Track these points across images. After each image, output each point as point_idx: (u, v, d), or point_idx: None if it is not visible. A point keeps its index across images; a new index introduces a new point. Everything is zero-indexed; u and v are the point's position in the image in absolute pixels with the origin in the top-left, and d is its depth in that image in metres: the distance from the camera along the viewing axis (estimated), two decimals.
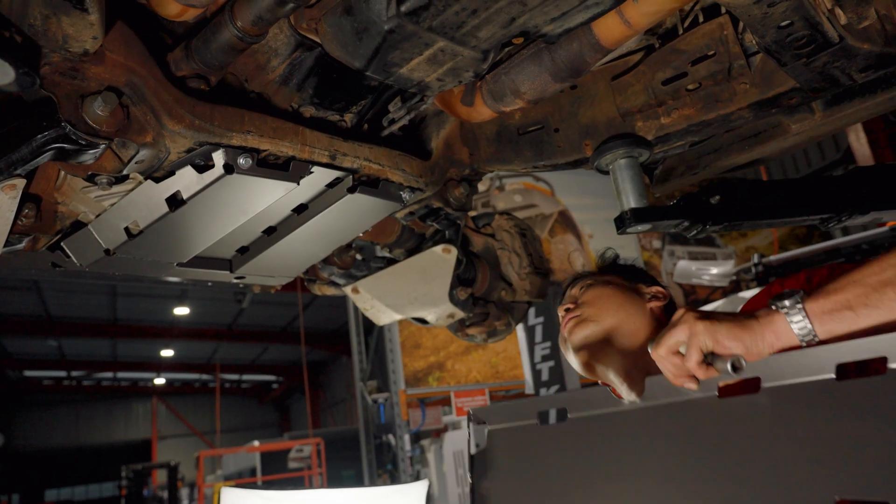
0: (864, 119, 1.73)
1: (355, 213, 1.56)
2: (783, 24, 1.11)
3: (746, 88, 1.46)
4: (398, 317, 2.15)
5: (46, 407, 20.28)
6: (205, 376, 22.24)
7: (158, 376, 21.66)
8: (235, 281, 1.84)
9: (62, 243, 1.49)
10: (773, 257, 4.12)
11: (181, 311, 15.83)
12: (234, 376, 23.30)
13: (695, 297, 9.00)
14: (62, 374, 19.95)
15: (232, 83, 1.33)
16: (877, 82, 1.44)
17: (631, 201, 1.56)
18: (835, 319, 0.95)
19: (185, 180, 1.30)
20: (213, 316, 16.82)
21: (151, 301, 15.12)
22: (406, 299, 2.05)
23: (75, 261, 1.50)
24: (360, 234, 1.76)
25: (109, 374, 20.85)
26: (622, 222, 1.70)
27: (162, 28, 1.24)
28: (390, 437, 8.00)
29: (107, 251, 1.45)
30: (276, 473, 11.65)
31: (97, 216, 1.44)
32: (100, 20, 0.95)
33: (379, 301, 2.07)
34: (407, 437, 7.67)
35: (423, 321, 2.14)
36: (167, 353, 19.20)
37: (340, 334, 17.07)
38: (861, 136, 7.74)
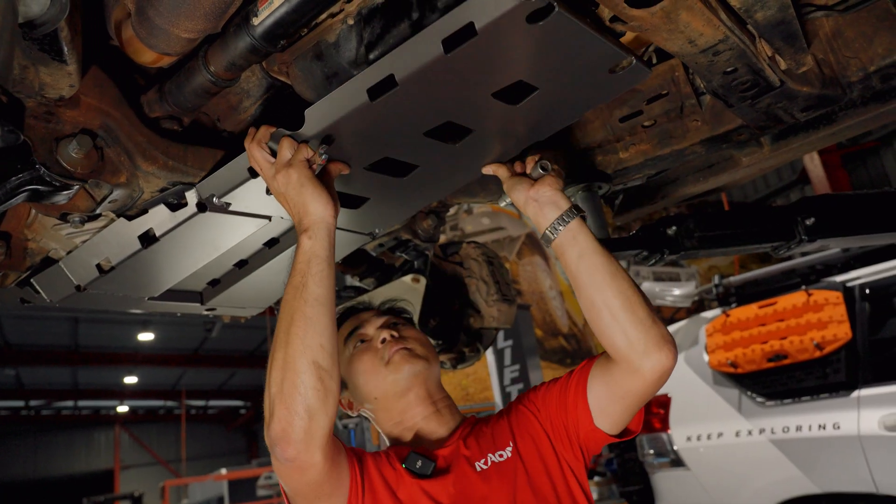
0: (809, 151, 1.83)
1: None
2: (728, 70, 1.19)
3: (698, 125, 1.55)
4: None
5: (3, 438, 19.59)
6: (170, 403, 21.76)
7: (121, 404, 21.10)
8: (206, 313, 1.85)
9: (32, 279, 1.49)
10: (732, 278, 4.24)
11: (145, 336, 15.51)
12: (201, 402, 22.82)
13: (660, 317, 9.17)
14: (20, 403, 19.33)
15: (205, 122, 1.36)
16: (819, 119, 1.53)
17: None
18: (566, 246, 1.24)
19: (158, 218, 1.33)
20: (179, 341, 16.51)
21: (114, 327, 14.80)
22: None
23: (45, 297, 1.51)
24: None
25: (70, 403, 20.26)
26: None
27: (135, 70, 1.27)
28: None
29: (77, 287, 1.45)
30: (244, 502, 11.43)
31: (68, 253, 1.45)
32: (77, 69, 0.98)
33: None
34: None
35: None
36: (130, 379, 18.75)
37: None
38: (815, 158, 8.03)
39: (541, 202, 1.26)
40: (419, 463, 1.27)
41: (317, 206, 1.13)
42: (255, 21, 1.05)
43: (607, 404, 1.25)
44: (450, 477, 1.27)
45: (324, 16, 1.15)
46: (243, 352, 17.94)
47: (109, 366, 16.77)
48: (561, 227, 1.23)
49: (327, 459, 1.11)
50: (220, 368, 18.74)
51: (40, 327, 13.96)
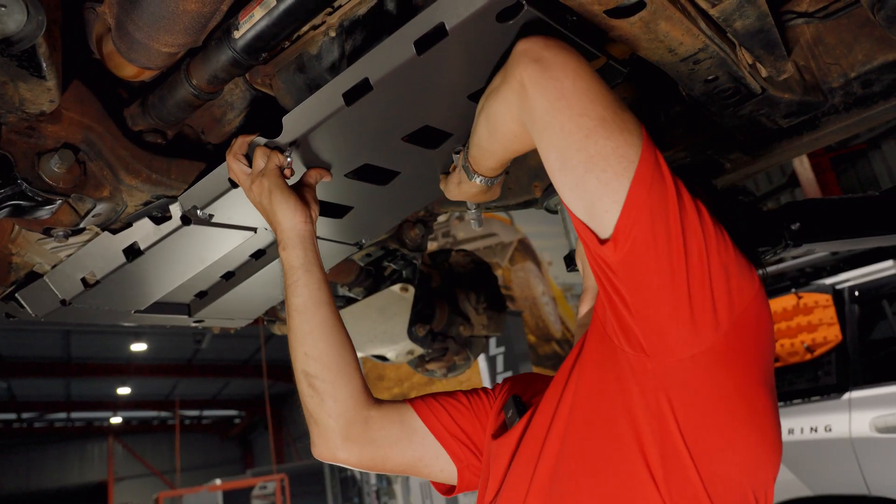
0: (795, 157, 1.84)
1: None
2: (709, 78, 1.20)
3: (682, 132, 1.55)
4: (359, 355, 2.18)
5: None
6: (164, 413, 21.61)
7: (115, 415, 20.94)
8: (194, 325, 1.85)
9: (16, 294, 1.48)
10: None
11: (138, 346, 15.42)
12: (195, 412, 22.68)
13: None
14: (12, 416, 19.17)
15: (189, 135, 1.36)
16: (802, 125, 1.54)
17: None
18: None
19: (143, 231, 1.33)
20: (172, 351, 16.42)
21: (107, 338, 14.70)
22: (366, 337, 2.08)
23: (30, 311, 1.50)
24: None
25: (63, 415, 20.11)
26: (571, 261, 1.77)
27: (119, 83, 1.27)
28: (355, 471, 7.92)
29: (63, 301, 1.45)
30: None
31: (53, 267, 1.44)
32: (57, 85, 0.98)
33: None
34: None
35: (383, 358, 2.17)
36: (124, 390, 18.62)
37: None
38: (804, 161, 8.07)
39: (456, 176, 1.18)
40: (509, 413, 1.12)
41: (284, 216, 1.11)
42: (237, 34, 1.05)
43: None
44: (510, 435, 1.09)
45: (306, 28, 1.15)
46: (237, 361, 17.85)
47: (102, 377, 16.66)
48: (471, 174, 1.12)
49: (363, 449, 1.12)
50: (214, 378, 18.63)
51: (32, 339, 13.87)
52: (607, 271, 0.83)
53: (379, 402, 1.17)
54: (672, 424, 0.85)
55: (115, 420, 21.37)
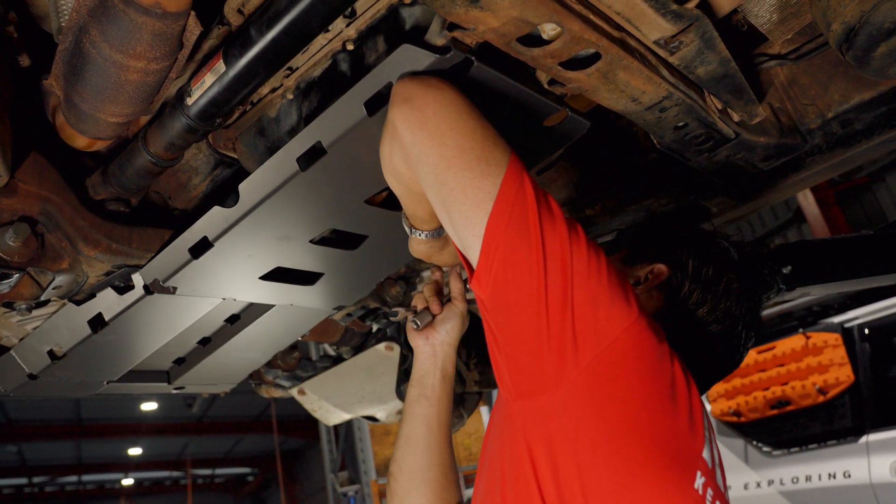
0: (781, 199, 1.80)
1: (289, 320, 1.55)
2: (678, 125, 1.17)
3: (663, 179, 1.52)
4: (347, 416, 2.11)
5: None
6: (176, 473, 21.31)
7: (126, 476, 20.68)
8: (175, 392, 1.80)
9: None
10: None
11: (149, 406, 15.31)
12: (207, 471, 22.34)
13: None
14: (23, 481, 18.96)
15: (156, 201, 1.34)
16: (785, 167, 1.50)
17: None
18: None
19: (107, 301, 1.29)
20: (183, 409, 16.26)
21: (117, 398, 14.61)
22: (354, 398, 2.02)
23: None
24: (301, 337, 1.75)
25: (74, 478, 19.87)
26: None
27: (80, 152, 1.26)
28: None
29: (31, 375, 1.41)
30: None
31: (20, 340, 1.41)
32: (3, 162, 0.96)
33: (326, 401, 2.03)
34: None
35: (373, 419, 2.11)
36: (135, 451, 18.43)
37: (315, 420, 16.61)
38: (809, 196, 8.00)
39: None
40: None
41: (411, 342, 1.27)
42: (189, 101, 1.04)
43: None
44: None
45: (266, 90, 1.14)
46: (249, 417, 17.64)
47: (113, 437, 16.51)
48: None
49: None
50: (226, 435, 18.40)
51: (42, 402, 13.79)
52: (481, 307, 0.81)
53: None
54: (528, 469, 0.80)
55: (127, 482, 21.07)
